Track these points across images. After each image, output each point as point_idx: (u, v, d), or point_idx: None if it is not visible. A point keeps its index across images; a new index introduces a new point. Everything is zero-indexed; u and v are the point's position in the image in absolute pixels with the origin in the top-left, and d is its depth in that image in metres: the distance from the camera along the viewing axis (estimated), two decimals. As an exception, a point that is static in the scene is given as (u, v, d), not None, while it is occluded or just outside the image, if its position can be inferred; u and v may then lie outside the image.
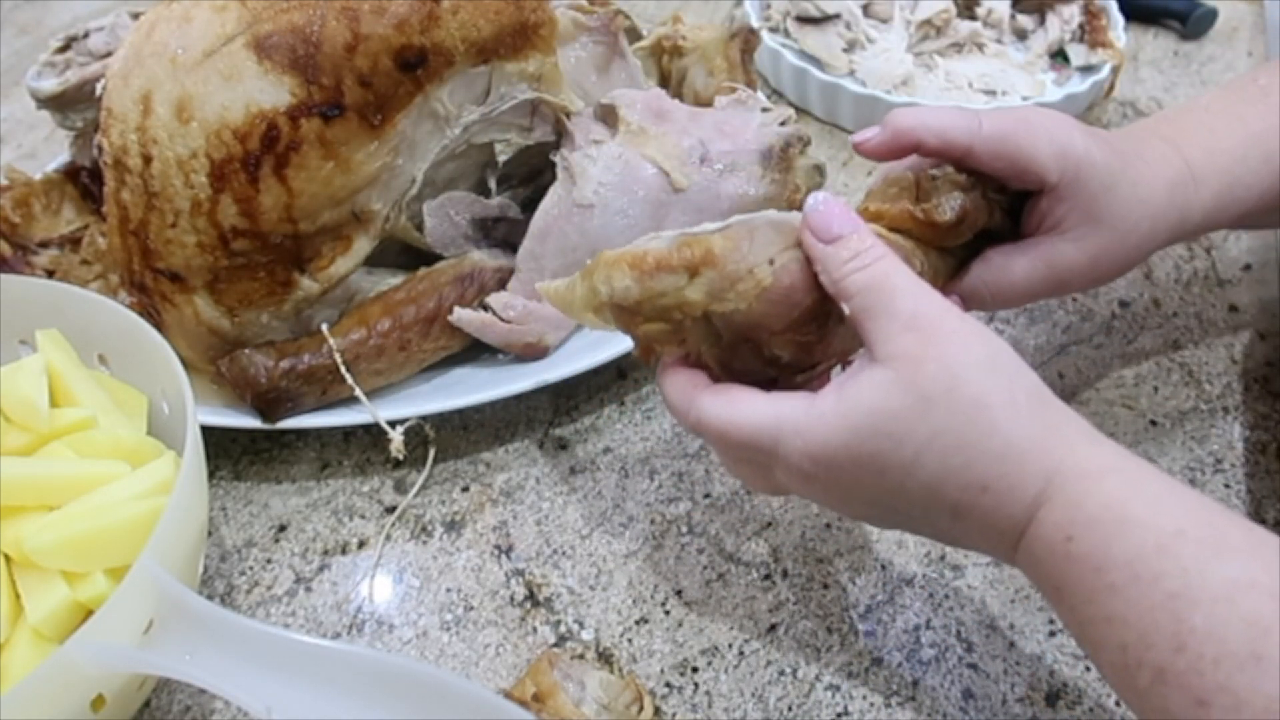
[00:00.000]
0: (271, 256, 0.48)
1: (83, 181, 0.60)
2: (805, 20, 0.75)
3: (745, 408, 0.36)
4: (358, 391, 0.49)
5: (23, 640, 0.37)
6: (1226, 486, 0.50)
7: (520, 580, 0.47)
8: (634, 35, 0.60)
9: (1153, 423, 0.53)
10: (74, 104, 0.56)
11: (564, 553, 0.48)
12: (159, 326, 0.48)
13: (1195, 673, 0.28)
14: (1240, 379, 0.55)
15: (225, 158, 0.45)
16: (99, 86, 0.51)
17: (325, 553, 0.48)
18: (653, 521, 0.49)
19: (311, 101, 0.45)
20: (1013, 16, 0.77)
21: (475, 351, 0.53)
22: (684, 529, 0.49)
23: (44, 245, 0.57)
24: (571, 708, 0.40)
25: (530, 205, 0.54)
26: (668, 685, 0.43)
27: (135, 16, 0.58)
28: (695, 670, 0.43)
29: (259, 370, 0.48)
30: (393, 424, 0.49)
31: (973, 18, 0.76)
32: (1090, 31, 0.74)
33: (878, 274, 0.35)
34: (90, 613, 0.38)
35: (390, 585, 0.47)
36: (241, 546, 0.49)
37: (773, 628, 0.45)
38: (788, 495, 0.39)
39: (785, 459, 0.35)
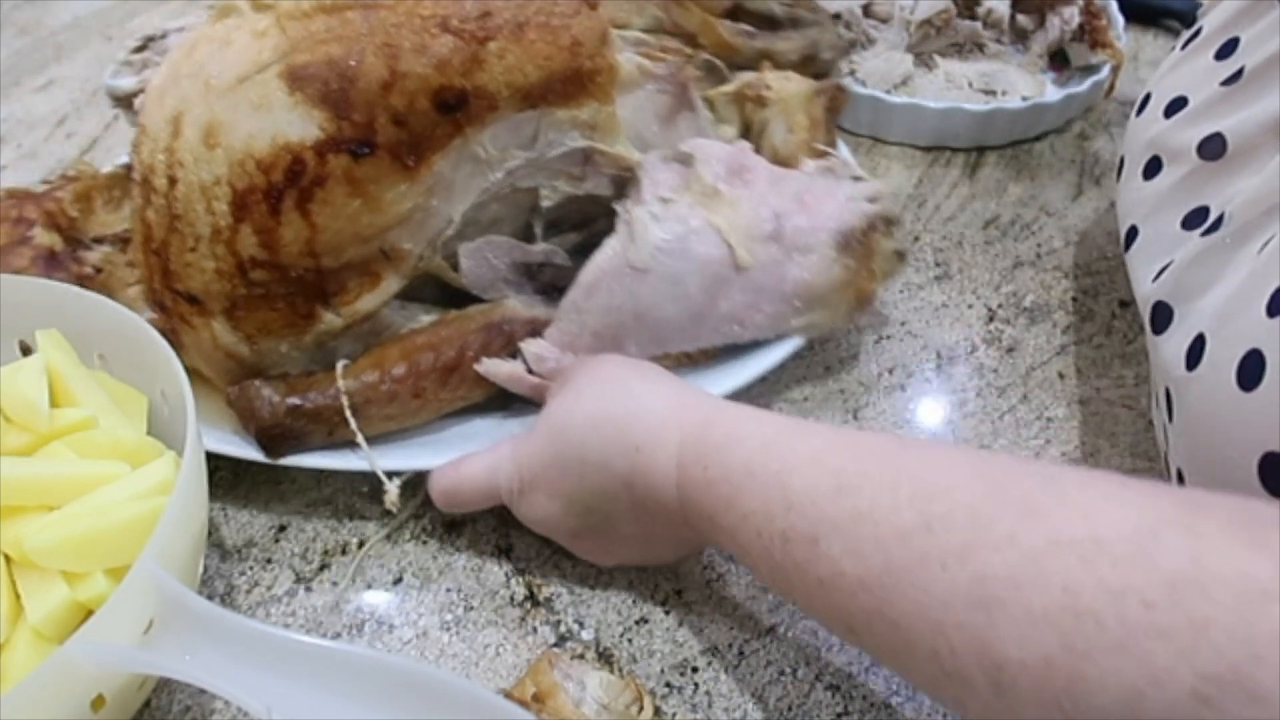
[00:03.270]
0: (292, 289, 0.46)
1: None
2: (805, 20, 0.75)
3: (468, 465, 0.46)
4: (359, 439, 0.47)
5: (23, 640, 0.37)
6: (1226, 486, 0.50)
7: (520, 580, 0.47)
8: (718, 77, 0.56)
9: (1152, 423, 0.53)
10: None
11: (564, 553, 0.48)
12: (178, 346, 0.47)
13: (803, 519, 0.33)
14: (1240, 379, 0.55)
15: (248, 187, 0.44)
16: (137, 101, 0.50)
17: (325, 553, 0.48)
18: (653, 521, 0.49)
19: (341, 137, 0.43)
20: (1013, 16, 0.77)
21: (505, 400, 0.50)
22: (684, 529, 0.49)
23: (99, 241, 0.55)
24: (571, 708, 0.40)
25: (581, 252, 0.51)
26: (668, 685, 0.43)
27: None
28: (695, 670, 0.43)
29: (264, 404, 0.47)
30: (392, 475, 0.47)
31: (973, 18, 0.76)
32: (1090, 31, 0.74)
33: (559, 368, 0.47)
34: (90, 613, 0.38)
35: (390, 585, 0.47)
36: (241, 546, 0.49)
37: (773, 628, 0.45)
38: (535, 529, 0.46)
39: (506, 488, 0.44)
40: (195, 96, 0.45)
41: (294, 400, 0.47)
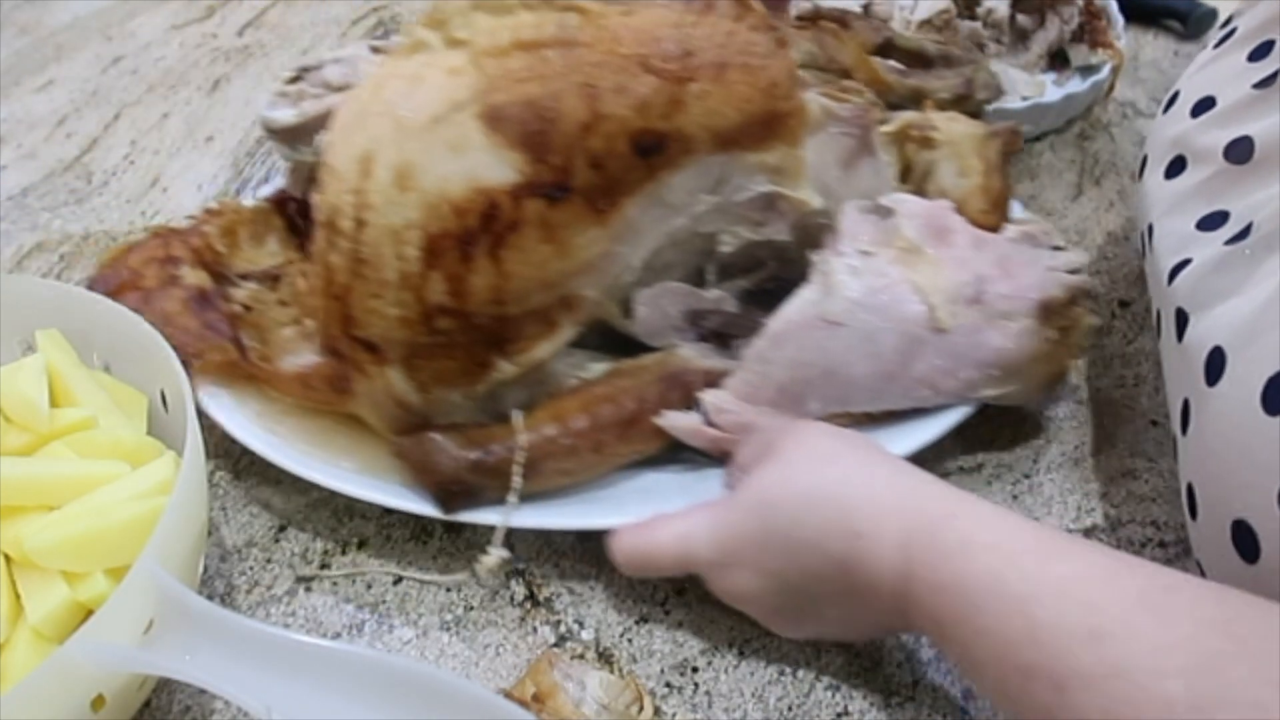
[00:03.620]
0: (472, 337, 0.44)
1: (290, 214, 0.57)
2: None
3: (659, 529, 0.42)
4: (513, 496, 0.45)
5: (23, 640, 0.37)
6: (1226, 486, 0.50)
7: (520, 580, 0.47)
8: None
9: (1153, 423, 0.53)
10: (307, 136, 0.53)
11: (564, 553, 0.48)
12: (347, 393, 0.46)
13: (1049, 658, 0.30)
14: (1240, 379, 0.55)
15: (440, 233, 0.42)
16: (318, 139, 0.49)
17: (325, 553, 0.48)
18: (653, 521, 0.49)
19: (538, 181, 0.42)
20: (1013, 16, 0.76)
21: (676, 451, 0.48)
22: (684, 529, 0.48)
23: (244, 277, 0.54)
24: (571, 708, 0.40)
25: (749, 298, 0.49)
26: (668, 685, 0.43)
27: (375, 50, 0.55)
28: (695, 670, 0.43)
29: (445, 459, 0.45)
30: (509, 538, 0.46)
31: (973, 18, 0.76)
32: (1090, 31, 0.74)
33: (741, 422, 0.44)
34: (90, 613, 0.38)
35: (390, 585, 0.47)
36: (241, 546, 0.49)
37: (773, 628, 0.45)
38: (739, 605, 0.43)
39: (705, 559, 0.41)
40: (386, 136, 0.43)
41: (475, 454, 0.45)
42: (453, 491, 0.45)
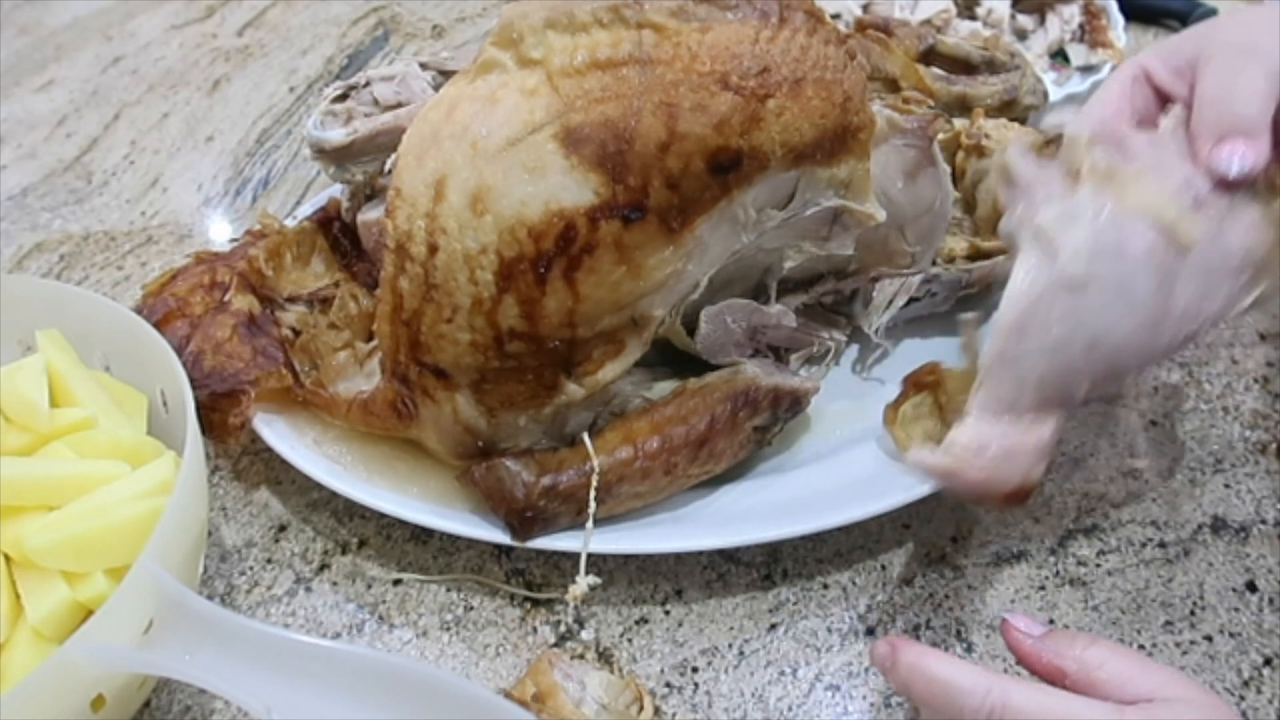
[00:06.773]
0: (542, 360, 0.44)
1: (334, 234, 0.57)
2: (805, 20, 0.74)
3: (950, 664, 0.34)
4: (589, 525, 0.44)
5: (23, 640, 0.37)
6: (1226, 486, 0.50)
7: (520, 580, 0.47)
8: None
9: (1153, 423, 0.53)
10: (359, 156, 0.53)
11: (564, 553, 0.48)
12: (412, 419, 0.46)
13: None
14: (1240, 379, 0.55)
15: (516, 257, 0.41)
16: (389, 161, 0.48)
17: (325, 553, 0.48)
18: (653, 521, 0.49)
19: (615, 203, 0.41)
20: (1013, 16, 0.77)
21: (738, 469, 0.48)
22: (684, 529, 0.49)
23: (291, 300, 0.53)
24: (571, 708, 0.40)
25: (807, 312, 0.49)
26: (668, 685, 0.43)
27: (424, 66, 0.55)
28: (695, 670, 0.44)
29: (517, 485, 0.44)
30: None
31: (973, 18, 0.76)
32: (1090, 31, 0.74)
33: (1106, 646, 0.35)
34: (90, 613, 0.38)
35: (390, 585, 0.47)
36: (241, 546, 0.49)
37: (773, 628, 0.45)
38: None
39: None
40: (461, 159, 0.42)
41: (548, 480, 0.44)
42: (527, 518, 0.44)
